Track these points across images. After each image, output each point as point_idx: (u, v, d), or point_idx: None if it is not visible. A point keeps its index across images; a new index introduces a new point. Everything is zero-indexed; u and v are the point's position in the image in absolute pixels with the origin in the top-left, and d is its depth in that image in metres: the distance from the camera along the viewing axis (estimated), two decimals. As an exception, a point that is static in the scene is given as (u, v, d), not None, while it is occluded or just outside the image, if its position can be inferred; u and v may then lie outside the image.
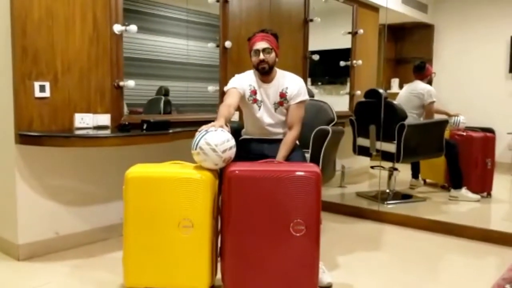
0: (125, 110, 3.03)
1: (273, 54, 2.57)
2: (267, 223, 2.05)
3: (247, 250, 2.05)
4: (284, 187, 2.04)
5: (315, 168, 2.13)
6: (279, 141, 2.66)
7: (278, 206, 2.05)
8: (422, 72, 4.31)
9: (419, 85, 4.25)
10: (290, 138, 2.59)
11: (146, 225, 2.08)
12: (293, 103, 2.62)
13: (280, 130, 2.70)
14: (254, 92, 2.64)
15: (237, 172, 2.05)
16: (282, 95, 2.62)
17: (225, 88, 2.66)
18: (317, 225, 2.09)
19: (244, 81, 2.65)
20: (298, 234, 2.05)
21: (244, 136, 2.79)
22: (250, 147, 2.69)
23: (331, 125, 2.95)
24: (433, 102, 4.18)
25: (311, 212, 2.06)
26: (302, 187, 2.05)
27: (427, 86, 4.25)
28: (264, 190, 2.04)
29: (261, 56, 2.53)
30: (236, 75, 2.72)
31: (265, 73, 2.59)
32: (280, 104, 2.63)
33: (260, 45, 2.55)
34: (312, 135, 2.78)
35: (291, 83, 2.64)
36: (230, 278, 2.08)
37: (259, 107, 2.65)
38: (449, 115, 4.33)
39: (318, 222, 2.09)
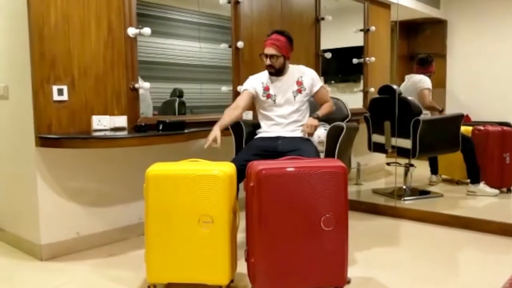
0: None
1: (280, 59, 2.73)
2: (297, 220, 2.06)
3: (279, 247, 2.06)
4: (312, 183, 2.05)
5: (341, 163, 2.15)
6: (292, 138, 2.70)
7: (308, 202, 2.06)
8: (426, 67, 4.26)
9: (414, 78, 4.22)
10: (328, 104, 2.88)
11: (167, 221, 2.10)
12: (316, 91, 2.85)
13: (297, 118, 2.78)
14: (267, 88, 2.80)
15: (265, 171, 2.05)
16: (299, 83, 2.80)
17: (242, 88, 2.86)
18: (345, 219, 2.11)
19: (255, 81, 2.84)
20: (328, 229, 2.06)
21: (259, 134, 2.83)
22: (264, 144, 2.72)
23: (345, 121, 2.96)
24: (426, 88, 4.13)
25: (340, 206, 2.08)
26: (330, 182, 2.07)
27: (421, 76, 4.21)
28: (293, 187, 2.05)
29: (268, 62, 2.72)
30: (250, 77, 2.90)
31: (273, 74, 2.77)
32: (299, 91, 2.79)
33: (268, 50, 2.71)
34: (327, 131, 2.79)
35: (303, 73, 2.84)
36: (261, 274, 2.07)
37: (274, 101, 2.79)
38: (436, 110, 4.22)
39: (347, 216, 2.12)
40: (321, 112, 2.82)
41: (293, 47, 2.79)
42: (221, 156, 2.80)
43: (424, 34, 5.56)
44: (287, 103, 2.77)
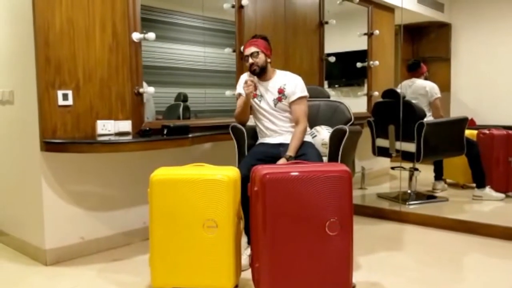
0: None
1: (261, 56, 2.73)
2: (302, 224, 2.05)
3: (283, 252, 2.05)
4: (317, 188, 2.05)
5: (345, 167, 2.14)
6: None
7: (313, 207, 2.05)
8: (418, 70, 4.27)
9: (420, 83, 4.20)
10: (298, 130, 2.69)
11: (171, 226, 2.11)
12: (292, 100, 2.73)
13: (287, 124, 2.77)
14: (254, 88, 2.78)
15: (269, 175, 2.04)
16: (280, 91, 2.75)
17: (235, 93, 2.90)
18: (350, 223, 2.10)
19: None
20: (333, 234, 2.06)
21: (260, 141, 2.83)
22: (267, 150, 2.72)
23: (348, 125, 2.95)
24: (438, 97, 4.12)
25: (345, 211, 2.07)
26: (335, 187, 2.06)
27: (429, 82, 4.19)
28: (298, 192, 2.04)
29: (250, 60, 2.73)
30: (241, 77, 2.89)
31: (257, 74, 2.75)
32: (279, 99, 2.76)
33: (248, 50, 2.75)
34: (330, 135, 2.79)
35: (289, 81, 2.77)
36: (266, 279, 2.06)
37: (260, 101, 2.79)
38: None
39: (351, 220, 2.11)
40: (292, 149, 2.58)
41: (271, 47, 2.80)
42: (225, 160, 2.80)
43: (428, 38, 5.55)
44: (270, 109, 2.75)
